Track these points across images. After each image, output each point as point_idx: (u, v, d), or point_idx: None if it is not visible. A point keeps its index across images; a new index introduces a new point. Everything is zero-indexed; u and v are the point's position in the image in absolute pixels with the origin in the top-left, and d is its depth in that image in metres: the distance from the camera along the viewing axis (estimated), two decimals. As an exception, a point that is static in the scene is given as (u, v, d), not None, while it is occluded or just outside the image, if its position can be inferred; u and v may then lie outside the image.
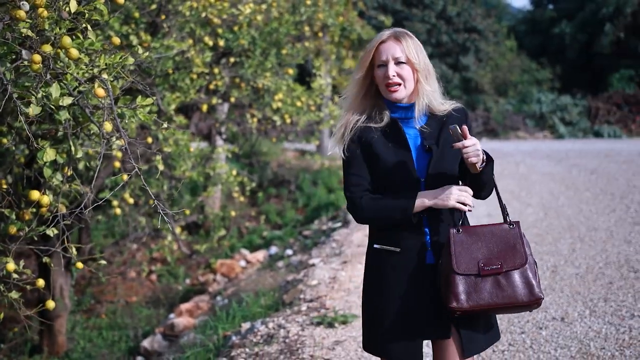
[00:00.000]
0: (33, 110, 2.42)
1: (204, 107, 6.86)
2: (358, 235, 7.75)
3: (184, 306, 7.37)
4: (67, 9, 2.41)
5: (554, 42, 29.66)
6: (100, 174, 5.59)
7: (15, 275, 2.97)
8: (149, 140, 5.32)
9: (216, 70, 6.31)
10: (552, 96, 26.65)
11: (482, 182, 2.35)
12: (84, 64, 2.53)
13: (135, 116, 2.74)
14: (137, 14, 5.25)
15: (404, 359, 2.37)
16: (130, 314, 7.93)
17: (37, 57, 2.34)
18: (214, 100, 6.71)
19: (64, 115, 2.62)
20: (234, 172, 7.81)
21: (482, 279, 2.25)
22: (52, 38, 2.44)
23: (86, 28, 2.52)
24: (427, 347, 3.64)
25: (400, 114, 2.43)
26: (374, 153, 2.38)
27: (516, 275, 2.25)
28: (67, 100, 2.50)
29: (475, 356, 2.46)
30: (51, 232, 3.09)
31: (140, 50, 3.05)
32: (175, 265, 9.55)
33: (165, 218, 2.56)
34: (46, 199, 2.84)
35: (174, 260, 9.36)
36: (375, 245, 2.45)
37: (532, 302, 2.24)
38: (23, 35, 2.36)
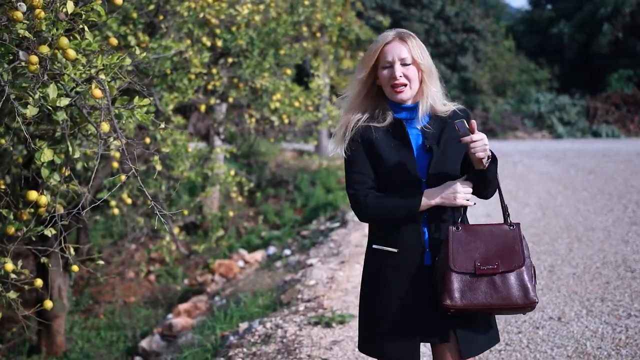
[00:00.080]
0: (30, 111, 2.42)
1: (202, 108, 6.87)
2: (356, 235, 7.76)
3: (182, 306, 7.37)
4: (64, 10, 2.41)
5: (553, 42, 29.69)
6: (98, 174, 5.59)
7: (13, 276, 2.98)
8: (147, 140, 5.32)
9: (214, 71, 6.32)
10: (550, 96, 26.70)
11: (487, 180, 2.33)
12: (81, 65, 2.54)
13: (132, 116, 2.75)
14: (135, 15, 5.26)
15: None
16: (129, 314, 7.94)
17: (34, 58, 2.34)
18: (212, 101, 6.72)
19: (61, 116, 2.63)
20: (232, 173, 7.82)
21: (478, 279, 2.24)
22: (50, 39, 2.45)
23: (83, 29, 2.53)
24: (424, 346, 3.65)
25: (403, 114, 2.43)
26: (376, 152, 2.38)
27: (512, 277, 2.25)
28: (65, 101, 2.51)
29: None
30: (49, 232, 3.10)
31: (138, 51, 3.06)
32: (174, 266, 9.55)
33: (162, 219, 2.56)
34: (44, 199, 2.85)
35: (172, 261, 9.36)
36: (373, 246, 2.45)
37: (527, 304, 2.24)
38: (20, 36, 2.37)
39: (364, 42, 11.72)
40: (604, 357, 3.97)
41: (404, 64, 2.37)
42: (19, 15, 2.29)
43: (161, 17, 5.49)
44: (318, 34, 9.54)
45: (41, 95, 2.45)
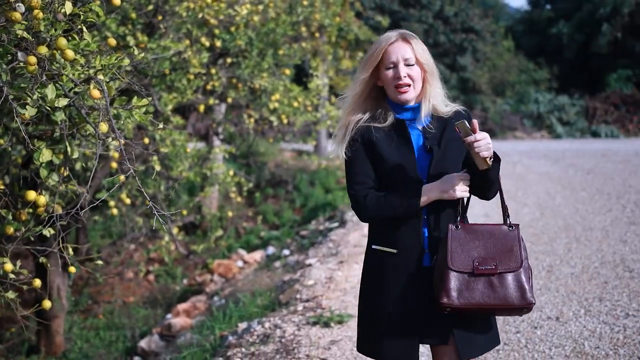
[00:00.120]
0: (29, 111, 2.43)
1: (201, 108, 6.87)
2: (355, 236, 7.76)
3: (181, 306, 7.38)
4: (63, 10, 2.42)
5: (552, 42, 29.70)
6: (97, 174, 5.59)
7: (12, 276, 2.98)
8: (146, 140, 5.33)
9: (213, 71, 6.32)
10: (549, 96, 26.72)
11: (489, 180, 2.32)
12: (79, 65, 2.54)
13: (131, 117, 2.76)
14: (134, 15, 5.26)
15: None
16: (128, 314, 7.94)
17: (33, 59, 2.35)
18: (211, 101, 6.73)
19: (59, 116, 2.63)
20: (231, 173, 7.82)
21: (475, 278, 2.24)
22: (48, 39, 2.45)
23: (82, 29, 2.54)
24: (422, 346, 3.65)
25: (405, 115, 2.43)
26: (377, 152, 2.38)
27: (510, 278, 2.25)
28: (63, 102, 2.51)
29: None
30: (47, 232, 3.10)
31: (137, 51, 3.07)
32: (173, 266, 9.56)
33: (161, 219, 2.57)
34: (42, 200, 2.85)
35: (172, 261, 9.37)
36: (373, 246, 2.45)
37: (524, 305, 2.24)
38: (19, 37, 2.37)
39: (363, 42, 11.72)
40: (601, 357, 3.98)
41: (407, 64, 2.37)
42: (17, 16, 2.30)
43: (160, 18, 5.50)
44: (317, 34, 9.54)
45: (40, 95, 2.46)
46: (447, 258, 2.25)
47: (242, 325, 5.12)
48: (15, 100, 2.47)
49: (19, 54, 2.38)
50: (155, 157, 5.33)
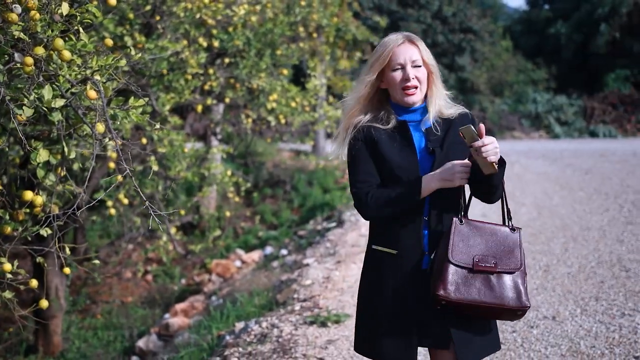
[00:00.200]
0: (26, 112, 2.44)
1: (199, 108, 6.89)
2: (352, 235, 7.78)
3: (179, 306, 7.40)
4: (60, 11, 2.43)
5: (550, 42, 29.75)
6: (95, 174, 5.61)
7: (9, 275, 2.99)
8: (144, 141, 5.34)
9: (211, 71, 6.33)
10: (547, 96, 26.76)
11: (494, 184, 2.32)
12: (76, 66, 2.55)
13: (128, 117, 2.76)
14: (131, 15, 5.27)
15: None
16: (126, 314, 7.95)
17: (29, 60, 2.36)
18: (209, 101, 6.74)
19: (56, 116, 2.64)
20: (229, 173, 7.83)
21: (474, 275, 2.24)
22: (45, 40, 2.46)
23: (78, 30, 2.55)
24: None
25: (408, 116, 2.43)
26: (379, 153, 2.38)
27: (508, 279, 2.26)
28: (60, 102, 2.52)
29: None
30: (45, 232, 3.11)
31: (134, 52, 3.08)
32: (171, 266, 9.57)
33: (157, 219, 2.58)
34: (39, 200, 2.87)
35: (170, 261, 9.38)
36: (373, 246, 2.45)
37: (518, 307, 2.25)
38: (15, 37, 2.38)
39: (361, 42, 11.73)
40: (597, 356, 3.99)
41: (414, 66, 2.37)
42: (14, 17, 2.31)
43: (158, 18, 5.51)
44: (315, 35, 9.56)
45: (36, 96, 2.47)
46: (448, 250, 2.25)
47: (240, 325, 5.13)
48: (12, 101, 2.48)
49: (16, 54, 2.39)
50: (153, 157, 5.34)
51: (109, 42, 2.90)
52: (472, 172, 2.31)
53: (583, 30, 28.20)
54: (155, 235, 8.61)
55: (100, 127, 2.61)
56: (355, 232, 7.88)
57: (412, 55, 2.37)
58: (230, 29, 6.21)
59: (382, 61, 2.38)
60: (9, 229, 3.16)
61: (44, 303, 3.03)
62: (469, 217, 2.40)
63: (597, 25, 27.29)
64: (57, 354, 6.46)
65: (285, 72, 7.61)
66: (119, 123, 2.87)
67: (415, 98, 2.39)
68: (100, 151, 2.99)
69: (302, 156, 15.73)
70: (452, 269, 2.23)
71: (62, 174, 3.17)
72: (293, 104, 7.26)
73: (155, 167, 5.16)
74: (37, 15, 2.37)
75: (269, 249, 9.24)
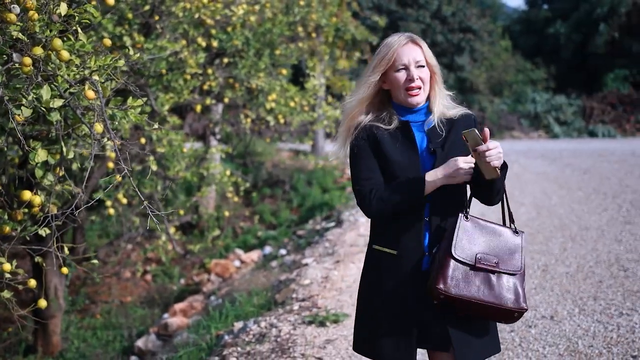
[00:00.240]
0: (24, 112, 2.44)
1: (198, 108, 6.89)
2: (351, 235, 7.78)
3: (178, 306, 7.40)
4: (58, 11, 2.44)
5: (549, 42, 29.76)
6: (94, 174, 5.61)
7: (8, 275, 2.99)
8: (143, 140, 5.34)
9: (210, 71, 6.34)
10: (546, 96, 26.77)
11: (496, 187, 2.31)
12: (74, 66, 2.56)
13: (126, 117, 2.77)
14: (130, 15, 5.27)
15: None
16: (125, 314, 7.96)
17: (28, 60, 2.36)
18: (208, 101, 6.74)
19: (55, 116, 2.65)
20: (228, 172, 7.84)
21: (475, 272, 2.25)
22: (43, 40, 2.47)
23: (77, 30, 2.55)
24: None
25: (410, 116, 2.43)
26: (381, 152, 2.38)
27: (508, 279, 2.27)
28: (58, 102, 2.53)
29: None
30: (43, 232, 3.11)
31: (132, 52, 3.08)
32: (170, 265, 9.58)
33: (156, 219, 2.58)
34: (38, 199, 2.87)
35: (169, 260, 9.39)
36: (373, 246, 2.45)
37: (516, 309, 2.25)
38: (14, 38, 2.39)
39: (360, 42, 11.74)
40: (595, 356, 4.00)
41: (418, 66, 2.38)
42: (12, 17, 2.32)
43: (156, 18, 5.51)
44: (314, 34, 9.56)
45: (35, 96, 2.47)
46: (452, 246, 2.25)
47: (238, 325, 5.14)
48: (11, 101, 2.48)
49: (14, 55, 2.40)
50: (151, 157, 5.35)
51: (108, 42, 2.90)
52: (473, 175, 2.30)
53: (582, 30, 28.21)
54: (154, 235, 8.62)
55: (99, 127, 2.62)
56: (354, 232, 7.88)
57: (416, 56, 2.38)
58: (229, 29, 6.22)
59: (386, 62, 2.38)
60: (7, 229, 3.16)
61: (43, 303, 3.03)
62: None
63: (596, 25, 27.31)
64: (56, 353, 6.47)
65: (284, 72, 7.62)
66: (117, 123, 2.88)
67: (419, 99, 2.39)
68: (99, 151, 3.00)
69: (301, 156, 15.74)
70: (453, 264, 2.23)
71: (60, 174, 3.17)
72: (292, 104, 7.27)
73: (154, 167, 5.18)
74: (36, 16, 2.38)
75: (267, 249, 9.25)
